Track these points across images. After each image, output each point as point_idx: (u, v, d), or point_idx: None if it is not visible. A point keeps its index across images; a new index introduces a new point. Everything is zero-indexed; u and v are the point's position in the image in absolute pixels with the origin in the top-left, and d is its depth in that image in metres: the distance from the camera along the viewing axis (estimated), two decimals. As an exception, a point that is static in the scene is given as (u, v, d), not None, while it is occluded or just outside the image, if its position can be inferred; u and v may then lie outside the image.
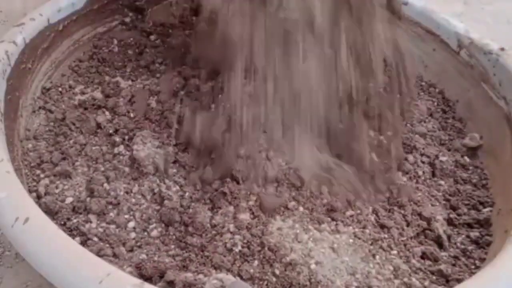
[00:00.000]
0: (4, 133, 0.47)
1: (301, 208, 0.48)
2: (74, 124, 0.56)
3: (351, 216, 0.48)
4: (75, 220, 0.47)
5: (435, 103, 0.67)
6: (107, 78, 0.63)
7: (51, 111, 0.58)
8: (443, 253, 0.48)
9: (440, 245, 0.49)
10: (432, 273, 0.46)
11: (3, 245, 0.53)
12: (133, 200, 0.49)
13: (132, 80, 0.63)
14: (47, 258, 0.35)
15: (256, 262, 0.43)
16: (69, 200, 0.49)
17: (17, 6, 0.79)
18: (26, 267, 0.50)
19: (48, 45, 0.59)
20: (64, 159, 0.52)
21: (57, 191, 0.49)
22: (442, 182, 0.56)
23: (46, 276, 0.35)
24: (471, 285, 0.38)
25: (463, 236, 0.51)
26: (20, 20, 0.56)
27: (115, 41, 0.68)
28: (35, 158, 0.52)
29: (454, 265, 0.47)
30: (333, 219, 0.47)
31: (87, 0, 0.64)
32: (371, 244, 0.46)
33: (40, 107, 0.58)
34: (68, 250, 0.36)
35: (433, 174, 0.57)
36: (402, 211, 0.50)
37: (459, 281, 0.44)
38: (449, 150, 0.60)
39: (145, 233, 0.47)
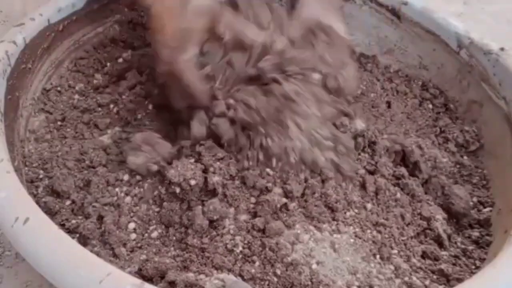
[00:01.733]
0: (4, 133, 0.47)
1: (301, 209, 0.48)
2: (73, 125, 0.57)
3: (352, 216, 0.48)
4: (74, 221, 0.47)
5: (435, 103, 0.67)
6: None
7: (50, 112, 0.58)
8: (443, 253, 0.48)
9: (441, 245, 0.49)
10: (433, 272, 0.46)
11: (3, 245, 0.53)
12: (133, 201, 0.49)
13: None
14: (47, 258, 0.35)
15: (257, 263, 0.43)
16: (68, 201, 0.49)
17: (17, 6, 0.79)
18: (26, 267, 0.50)
19: (48, 45, 0.59)
20: (63, 158, 0.52)
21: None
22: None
23: (46, 276, 0.35)
24: (471, 285, 0.38)
25: (463, 236, 0.51)
26: (20, 20, 0.56)
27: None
28: (35, 158, 0.52)
29: (454, 264, 0.47)
30: (333, 219, 0.47)
31: (87, 0, 0.64)
32: (372, 244, 0.46)
33: (40, 109, 0.58)
34: (68, 250, 0.36)
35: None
36: (402, 211, 0.50)
37: (459, 280, 0.44)
38: (449, 150, 0.60)
39: (146, 235, 0.47)
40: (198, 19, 0.49)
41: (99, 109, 0.59)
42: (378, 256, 0.45)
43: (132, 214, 0.48)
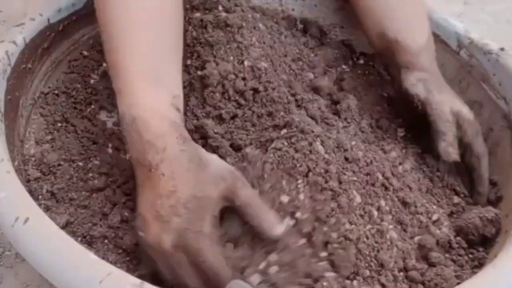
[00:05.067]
0: (4, 133, 0.47)
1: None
2: (73, 125, 0.57)
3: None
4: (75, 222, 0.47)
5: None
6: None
7: (49, 114, 0.58)
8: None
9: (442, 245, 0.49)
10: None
11: (3, 245, 0.53)
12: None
13: None
14: (47, 258, 0.35)
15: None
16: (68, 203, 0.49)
17: (17, 6, 0.79)
18: (26, 267, 0.50)
19: (48, 45, 0.59)
20: (63, 160, 0.52)
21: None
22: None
23: (46, 276, 0.35)
24: (471, 285, 0.38)
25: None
26: (20, 20, 0.56)
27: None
28: (36, 159, 0.52)
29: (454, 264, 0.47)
30: None
31: (87, 0, 0.64)
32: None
33: (39, 111, 0.57)
34: (68, 250, 0.36)
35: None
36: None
37: (459, 279, 0.44)
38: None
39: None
40: (216, 187, 0.40)
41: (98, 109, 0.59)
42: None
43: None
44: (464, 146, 0.56)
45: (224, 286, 0.37)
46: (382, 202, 0.47)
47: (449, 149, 0.54)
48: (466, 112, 0.56)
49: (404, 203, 0.49)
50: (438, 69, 0.60)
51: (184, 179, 0.40)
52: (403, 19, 0.59)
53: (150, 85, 0.43)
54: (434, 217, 0.49)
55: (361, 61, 0.73)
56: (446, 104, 0.56)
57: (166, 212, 0.39)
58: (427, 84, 0.57)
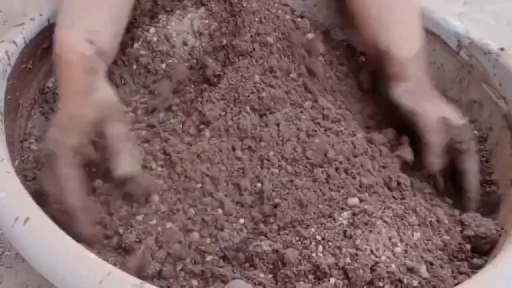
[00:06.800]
0: (4, 133, 0.47)
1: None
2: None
3: None
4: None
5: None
6: None
7: (48, 113, 0.58)
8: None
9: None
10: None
11: (3, 245, 0.53)
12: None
13: None
14: (47, 258, 0.35)
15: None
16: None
17: (17, 6, 0.79)
18: (26, 267, 0.50)
19: (48, 45, 0.59)
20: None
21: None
22: None
23: (46, 276, 0.35)
24: (471, 285, 0.38)
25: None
26: (20, 20, 0.56)
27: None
28: (35, 158, 0.52)
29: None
30: None
31: (87, 0, 0.64)
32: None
33: (39, 111, 0.58)
34: (68, 250, 0.36)
35: None
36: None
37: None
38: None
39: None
40: (93, 112, 0.46)
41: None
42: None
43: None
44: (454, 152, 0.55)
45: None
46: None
47: (432, 160, 0.54)
48: (454, 118, 0.55)
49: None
50: (426, 78, 0.59)
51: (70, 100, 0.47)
52: (396, 32, 0.59)
53: (65, 26, 0.50)
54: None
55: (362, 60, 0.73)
56: (433, 113, 0.55)
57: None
58: (414, 94, 0.57)
